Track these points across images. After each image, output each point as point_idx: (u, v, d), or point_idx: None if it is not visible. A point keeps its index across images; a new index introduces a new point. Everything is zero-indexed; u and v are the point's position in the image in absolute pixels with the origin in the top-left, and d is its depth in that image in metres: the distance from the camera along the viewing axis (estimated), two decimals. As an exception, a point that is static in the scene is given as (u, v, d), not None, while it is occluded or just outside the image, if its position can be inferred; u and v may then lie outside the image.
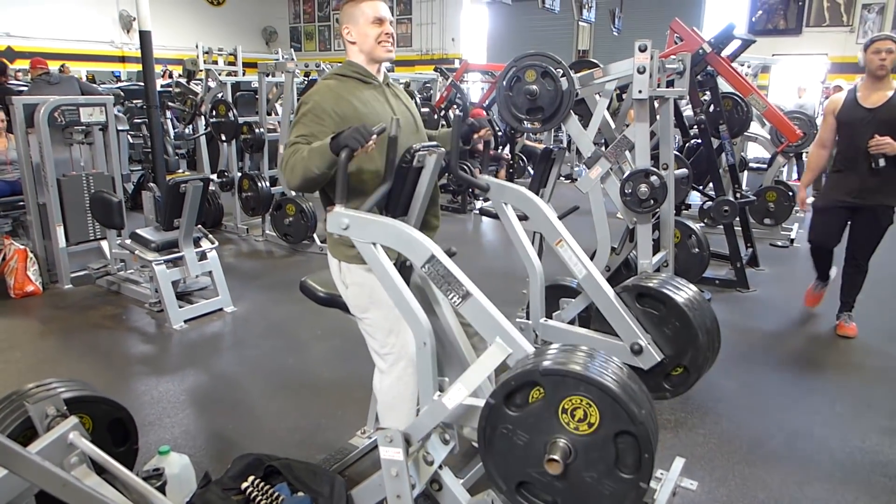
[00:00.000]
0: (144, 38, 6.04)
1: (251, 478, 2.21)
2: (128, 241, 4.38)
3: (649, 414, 1.59)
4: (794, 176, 7.99)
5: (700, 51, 4.37)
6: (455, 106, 8.30)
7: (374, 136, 1.86)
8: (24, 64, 11.74)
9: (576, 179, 9.25)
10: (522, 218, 2.63)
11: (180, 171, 8.48)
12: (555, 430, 1.59)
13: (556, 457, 1.55)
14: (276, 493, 2.17)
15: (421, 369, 1.88)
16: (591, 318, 2.79)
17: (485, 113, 7.51)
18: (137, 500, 1.69)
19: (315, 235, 5.91)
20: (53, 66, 12.12)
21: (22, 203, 5.18)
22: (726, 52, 4.83)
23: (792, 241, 6.30)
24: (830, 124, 3.94)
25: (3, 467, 1.31)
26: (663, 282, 2.60)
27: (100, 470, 1.81)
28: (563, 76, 3.18)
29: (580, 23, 13.27)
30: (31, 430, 1.81)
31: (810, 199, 4.58)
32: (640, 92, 3.10)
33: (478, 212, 7.67)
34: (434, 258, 1.80)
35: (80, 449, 1.72)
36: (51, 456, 1.59)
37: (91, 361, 3.64)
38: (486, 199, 8.03)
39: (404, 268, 2.21)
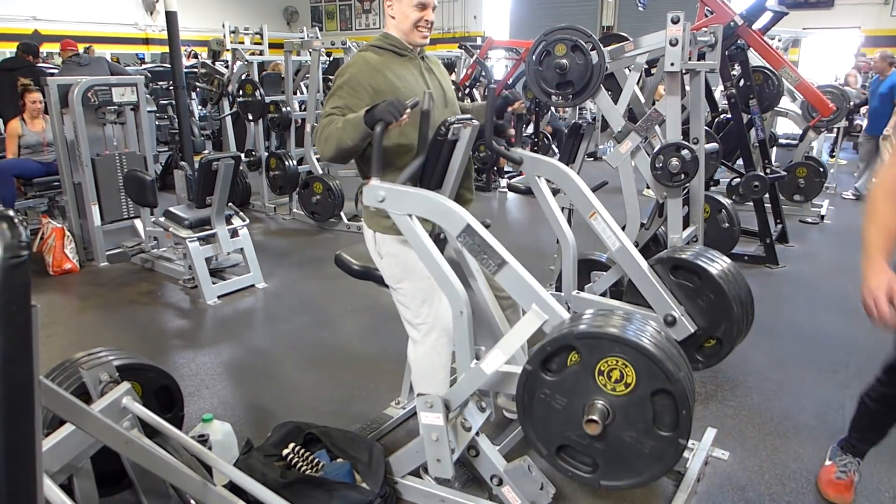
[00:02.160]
0: (171, 18, 6.09)
1: (291, 444, 2.28)
2: (161, 219, 4.47)
3: (685, 373, 1.61)
4: (825, 156, 7.78)
5: (731, 23, 4.31)
6: (479, 83, 8.26)
7: (408, 110, 1.89)
8: (50, 47, 11.92)
9: (600, 158, 9.19)
10: (555, 192, 2.65)
11: (206, 151, 8.59)
12: (592, 392, 1.62)
13: (594, 418, 1.58)
14: (316, 460, 2.24)
15: (458, 338, 1.92)
16: (623, 291, 2.80)
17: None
18: (189, 462, 1.76)
19: (342, 213, 5.96)
20: (80, 49, 12.31)
21: (57, 183, 5.31)
22: (757, 24, 4.75)
23: (822, 217, 6.22)
24: None
25: (72, 424, 1.39)
26: (697, 254, 2.61)
27: (150, 434, 1.88)
28: (593, 50, 3.17)
29: (604, -2, 13.09)
30: (85, 396, 1.89)
31: None
32: (672, 65, 3.07)
33: (505, 188, 7.66)
34: (470, 227, 1.83)
35: (133, 413, 1.79)
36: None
37: (129, 335, 3.74)
38: (511, 177, 8.02)
39: (438, 240, 2.24)
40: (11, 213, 1.01)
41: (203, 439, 2.23)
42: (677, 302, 2.52)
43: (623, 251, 2.43)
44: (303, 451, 2.26)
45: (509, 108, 2.35)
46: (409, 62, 2.22)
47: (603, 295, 2.96)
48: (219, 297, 4.25)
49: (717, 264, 2.55)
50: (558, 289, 3.33)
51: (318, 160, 6.10)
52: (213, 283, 4.30)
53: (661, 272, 2.58)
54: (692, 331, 2.43)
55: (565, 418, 1.66)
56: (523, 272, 1.83)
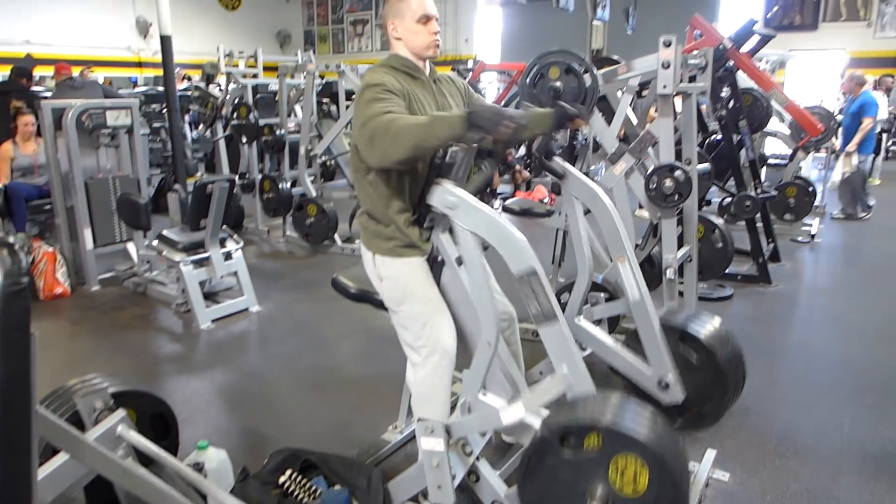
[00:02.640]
0: (165, 42, 6.11)
1: (288, 471, 2.25)
2: (155, 243, 4.44)
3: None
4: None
5: (721, 46, 4.37)
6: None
7: (512, 127, 1.75)
8: (43, 71, 11.94)
9: (592, 178, 9.22)
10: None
11: (199, 174, 8.58)
12: (601, 482, 1.61)
13: None
14: (314, 487, 2.21)
15: (476, 366, 1.91)
16: (619, 318, 2.75)
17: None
18: (185, 491, 1.73)
19: (336, 235, 5.96)
20: (73, 72, 12.33)
21: (49, 206, 5.28)
22: (745, 47, 4.83)
23: (813, 236, 6.27)
24: None
25: (67, 453, 1.36)
26: (714, 334, 2.49)
27: (145, 462, 1.85)
28: (586, 73, 3.20)
29: (594, 22, 13.27)
30: (79, 424, 1.86)
31: None
32: (664, 87, 3.11)
33: (499, 209, 7.69)
34: (535, 272, 1.77)
35: (127, 441, 1.77)
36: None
37: (122, 361, 3.70)
38: (505, 198, 8.05)
39: (436, 263, 2.24)
40: (12, 239, 1.01)
41: (198, 467, 2.19)
42: (675, 368, 2.45)
43: (641, 305, 2.34)
44: (300, 477, 2.23)
45: (570, 123, 2.23)
46: (423, 85, 2.18)
47: (598, 321, 2.92)
48: (213, 321, 4.21)
49: (727, 349, 2.46)
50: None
51: (312, 182, 6.10)
52: (207, 307, 4.27)
53: (670, 336, 2.50)
54: (680, 400, 2.38)
55: (566, 495, 1.64)
56: (568, 333, 1.80)
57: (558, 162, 2.43)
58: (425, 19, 2.11)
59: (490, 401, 1.97)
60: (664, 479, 1.54)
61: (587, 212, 2.53)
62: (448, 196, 1.81)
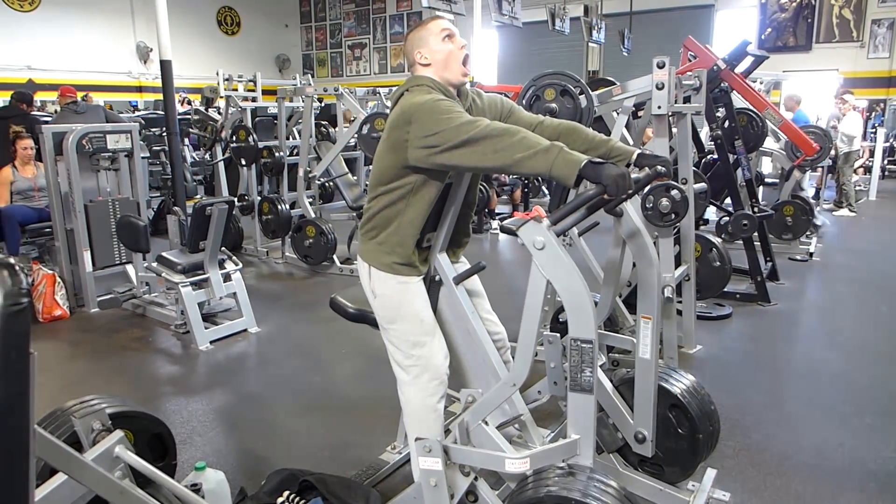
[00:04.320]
0: (165, 67, 6.19)
1: (286, 493, 2.23)
2: (154, 264, 4.45)
3: None
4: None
5: (715, 67, 4.43)
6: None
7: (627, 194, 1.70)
8: (44, 96, 12.05)
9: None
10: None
11: (198, 196, 8.62)
12: None
13: None
14: (312, 508, 2.19)
15: (491, 399, 1.93)
16: (620, 380, 2.66)
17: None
18: (182, 512, 1.72)
19: (335, 257, 5.97)
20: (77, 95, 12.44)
21: (48, 229, 5.30)
22: (739, 68, 4.89)
23: (811, 254, 6.28)
24: None
25: (64, 473, 1.36)
26: (704, 412, 2.42)
27: (142, 483, 1.84)
28: (581, 94, 3.24)
29: (590, 44, 13.45)
30: (77, 445, 1.85)
31: None
32: (659, 108, 3.14)
33: (497, 229, 7.73)
34: (592, 343, 1.73)
35: (125, 462, 1.76)
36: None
37: (120, 383, 3.69)
38: (502, 219, 8.08)
39: (433, 282, 2.25)
40: (12, 260, 1.02)
41: (196, 488, 2.18)
42: (654, 428, 2.43)
43: (648, 365, 2.33)
44: (298, 499, 2.22)
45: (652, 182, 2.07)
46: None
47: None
48: (211, 343, 4.21)
49: (710, 429, 2.41)
50: (553, 330, 3.33)
51: (310, 204, 6.13)
52: (206, 328, 4.27)
53: (662, 398, 2.41)
54: (649, 455, 2.37)
55: None
56: (594, 406, 1.80)
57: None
58: (449, 37, 2.05)
59: (494, 435, 1.96)
60: None
61: (582, 232, 2.54)
62: (539, 236, 1.71)
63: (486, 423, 1.97)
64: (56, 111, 11.31)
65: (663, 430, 2.37)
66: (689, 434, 2.36)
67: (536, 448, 1.84)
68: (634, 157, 2.04)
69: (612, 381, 2.43)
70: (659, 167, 1.94)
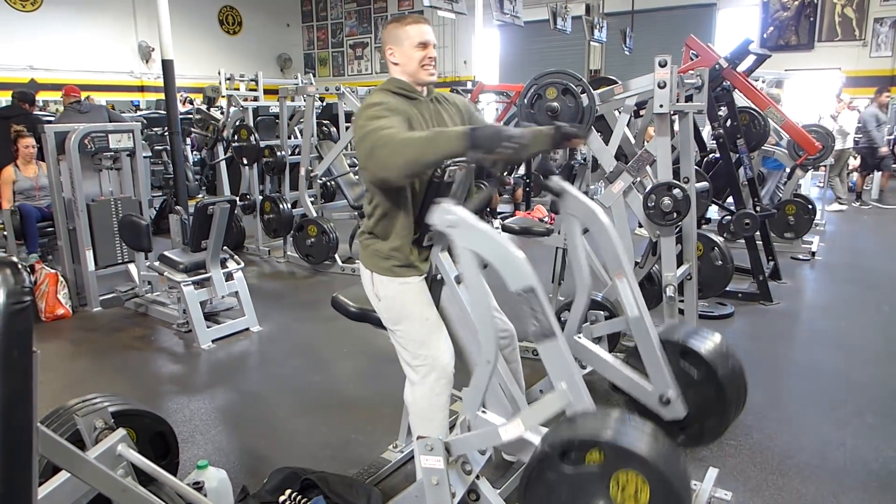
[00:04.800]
0: (167, 66, 6.21)
1: (288, 491, 2.24)
2: (156, 263, 4.46)
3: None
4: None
5: (717, 66, 4.42)
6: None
7: (513, 148, 1.76)
8: (46, 95, 12.07)
9: (591, 198, 9.27)
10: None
11: (200, 195, 8.63)
12: (601, 497, 1.59)
13: None
14: (314, 506, 2.19)
15: (475, 384, 1.91)
16: (619, 335, 2.74)
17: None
18: (184, 510, 1.73)
19: (337, 256, 5.97)
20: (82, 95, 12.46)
21: (51, 228, 5.31)
22: (741, 67, 4.88)
23: (813, 253, 6.27)
24: None
25: (67, 471, 1.36)
26: (714, 349, 2.46)
27: (144, 482, 1.85)
28: (583, 93, 3.24)
29: (591, 43, 13.42)
30: (80, 443, 1.86)
31: None
32: (661, 106, 3.14)
33: (499, 228, 7.72)
34: (533, 290, 1.76)
35: (128, 461, 1.76)
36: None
37: (122, 381, 3.70)
38: (504, 217, 8.07)
39: (435, 282, 2.25)
40: (15, 259, 1.02)
41: (198, 486, 2.18)
42: (676, 385, 2.43)
43: (640, 322, 2.32)
44: (299, 497, 2.22)
45: (567, 142, 2.17)
46: (420, 105, 2.21)
47: (598, 339, 2.92)
48: (213, 341, 4.21)
49: (727, 364, 2.44)
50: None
51: (312, 203, 6.14)
52: (208, 327, 4.27)
53: (671, 353, 2.45)
54: (681, 416, 2.36)
55: None
56: (566, 350, 1.81)
57: (556, 181, 2.43)
58: (423, 45, 2.15)
59: (490, 418, 1.97)
60: (666, 495, 1.53)
61: (585, 231, 2.52)
62: (447, 215, 1.81)
63: (484, 412, 1.96)
64: (59, 110, 11.33)
65: (684, 385, 2.36)
66: (708, 377, 2.36)
67: (526, 409, 1.84)
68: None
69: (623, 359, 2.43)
70: (566, 128, 2.09)
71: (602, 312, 2.89)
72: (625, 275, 2.34)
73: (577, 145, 2.33)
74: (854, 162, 10.41)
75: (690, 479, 1.65)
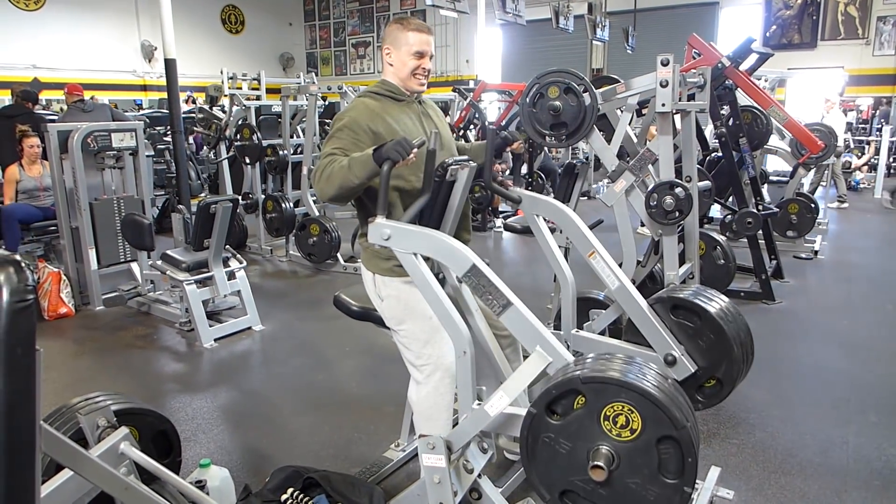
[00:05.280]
0: (169, 65, 6.22)
1: (290, 490, 2.24)
2: (159, 262, 4.47)
3: (692, 421, 1.60)
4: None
5: (719, 65, 4.42)
6: (473, 125, 8.39)
7: (415, 149, 1.91)
8: (49, 95, 12.09)
9: (594, 197, 9.28)
10: (552, 230, 2.66)
11: (203, 194, 8.64)
12: (597, 438, 1.61)
13: (599, 463, 1.57)
14: (316, 505, 2.20)
15: (461, 378, 1.92)
16: (622, 329, 2.78)
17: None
18: (186, 508, 1.73)
19: (339, 255, 5.98)
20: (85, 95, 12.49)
21: (53, 228, 5.32)
22: (744, 66, 4.87)
23: (816, 252, 6.26)
24: None
25: (70, 470, 1.37)
26: (696, 293, 2.59)
27: (147, 480, 1.85)
28: (585, 92, 3.23)
29: (594, 42, 13.42)
30: (82, 442, 1.86)
31: None
32: (663, 105, 3.14)
33: (501, 227, 7.74)
34: (476, 268, 1.84)
35: (130, 459, 1.77)
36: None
37: (125, 380, 3.71)
38: (507, 217, 8.08)
39: (437, 281, 2.25)
40: (18, 257, 1.02)
41: (201, 485, 2.19)
42: (677, 342, 2.49)
43: (622, 290, 2.42)
44: (302, 496, 2.22)
45: (508, 148, 2.39)
46: (407, 107, 2.27)
47: (602, 333, 2.95)
48: (216, 340, 4.22)
49: (715, 303, 2.54)
50: (557, 327, 3.33)
51: (314, 202, 6.14)
52: (210, 326, 4.28)
53: (661, 311, 2.56)
54: (692, 371, 2.41)
55: (570, 463, 1.64)
56: (528, 314, 1.84)
57: (514, 189, 2.54)
58: (419, 55, 2.20)
59: (486, 405, 1.97)
60: (655, 412, 1.54)
61: (554, 230, 2.61)
62: (383, 229, 1.91)
63: (480, 402, 1.97)
64: (62, 109, 11.33)
65: (686, 339, 2.39)
66: (707, 323, 2.40)
67: (506, 380, 1.86)
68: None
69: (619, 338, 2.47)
70: (499, 132, 2.29)
71: (603, 311, 2.91)
72: (596, 252, 2.41)
73: (517, 150, 2.51)
74: (857, 161, 10.41)
75: (682, 395, 1.65)
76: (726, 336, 2.45)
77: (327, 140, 2.16)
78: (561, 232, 3.82)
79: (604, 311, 2.98)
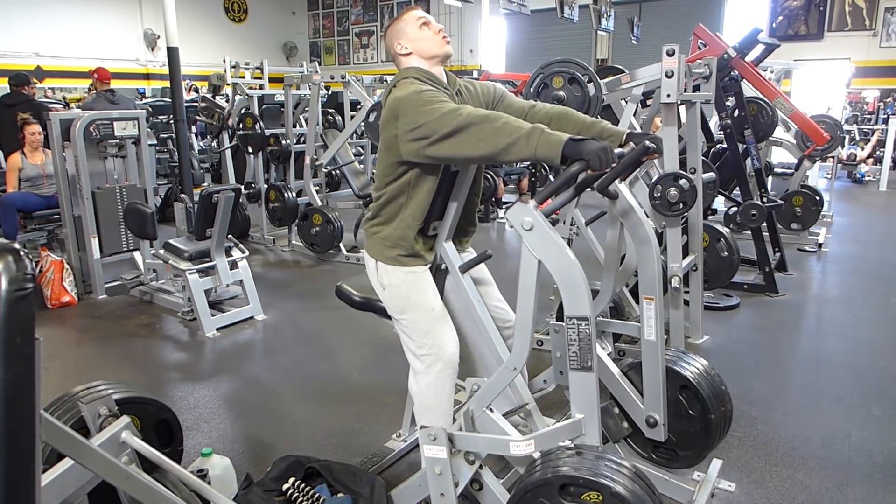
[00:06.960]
0: (172, 54, 6.20)
1: (292, 479, 2.25)
2: (161, 251, 4.47)
3: None
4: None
5: (725, 55, 4.38)
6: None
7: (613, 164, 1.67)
8: (52, 83, 12.07)
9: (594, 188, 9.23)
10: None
11: (205, 184, 8.64)
12: None
13: None
14: (317, 495, 2.20)
15: (492, 385, 1.92)
16: (629, 365, 2.65)
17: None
18: (188, 497, 1.73)
19: (341, 245, 5.97)
20: (82, 84, 12.47)
21: (56, 216, 5.32)
22: (750, 57, 4.84)
23: (820, 245, 6.24)
24: None
25: (71, 459, 1.37)
26: (714, 393, 2.39)
27: (148, 469, 1.85)
28: (589, 82, 3.22)
29: (598, 32, 13.32)
30: (84, 430, 1.87)
31: None
32: (668, 96, 3.11)
33: (504, 219, 7.71)
34: (588, 320, 1.74)
35: (131, 448, 1.77)
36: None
37: (127, 369, 3.71)
38: (508, 208, 8.04)
39: (440, 271, 2.24)
40: (17, 245, 1.01)
41: (202, 474, 2.19)
42: (665, 412, 2.40)
43: (653, 346, 2.30)
44: (303, 485, 2.23)
45: (644, 159, 1.98)
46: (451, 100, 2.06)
47: (603, 332, 2.91)
48: (218, 330, 4.22)
49: (722, 409, 2.40)
50: (559, 318, 3.32)
51: (317, 192, 6.13)
52: (213, 315, 4.28)
53: (671, 380, 2.40)
54: (662, 440, 2.35)
55: None
56: (596, 385, 1.80)
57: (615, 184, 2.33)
58: (426, 23, 2.10)
59: (499, 421, 1.95)
60: None
61: (555, 223, 2.52)
62: (526, 216, 1.70)
63: (492, 410, 1.96)
64: (64, 97, 11.32)
65: (675, 412, 2.35)
66: (700, 416, 2.34)
67: (540, 430, 1.84)
68: (625, 137, 2.02)
69: (620, 369, 2.42)
70: (647, 142, 1.87)
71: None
72: (655, 298, 2.30)
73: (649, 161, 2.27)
74: (861, 153, 10.35)
75: None
76: (710, 437, 2.36)
77: (427, 103, 1.83)
78: (564, 223, 3.82)
79: (617, 319, 2.94)
